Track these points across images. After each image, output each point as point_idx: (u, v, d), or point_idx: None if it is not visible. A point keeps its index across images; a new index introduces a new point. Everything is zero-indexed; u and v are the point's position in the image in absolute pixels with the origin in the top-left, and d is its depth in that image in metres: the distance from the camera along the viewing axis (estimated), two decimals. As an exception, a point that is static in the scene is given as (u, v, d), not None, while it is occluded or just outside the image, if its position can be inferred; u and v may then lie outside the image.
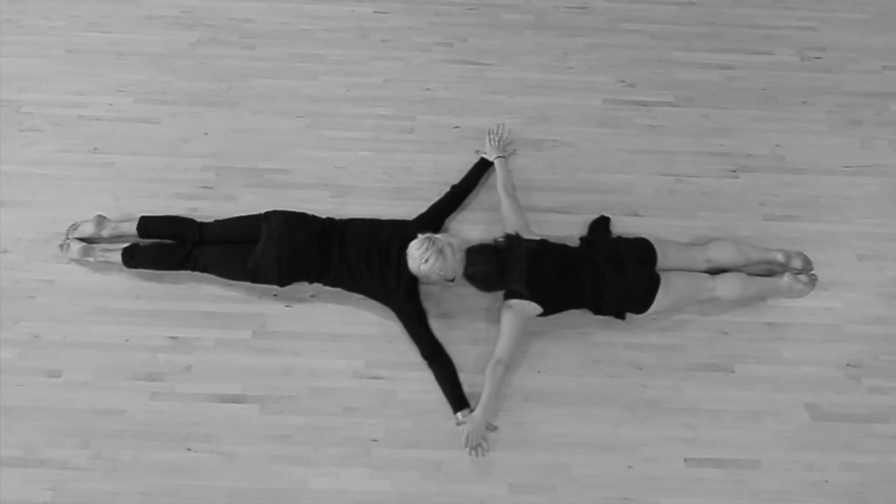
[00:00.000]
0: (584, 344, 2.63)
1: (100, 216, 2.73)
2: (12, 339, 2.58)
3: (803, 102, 3.26)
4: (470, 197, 2.87)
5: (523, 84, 3.27)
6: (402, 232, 2.55)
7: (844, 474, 2.44)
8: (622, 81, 3.30)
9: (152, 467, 2.38)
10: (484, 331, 2.63)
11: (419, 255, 2.36)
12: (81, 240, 2.70)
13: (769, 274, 2.74)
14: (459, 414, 2.43)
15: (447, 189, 2.81)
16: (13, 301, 2.65)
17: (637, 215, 2.91)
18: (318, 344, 2.61)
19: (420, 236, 2.41)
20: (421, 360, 2.51)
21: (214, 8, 3.46)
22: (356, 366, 2.57)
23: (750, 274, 2.69)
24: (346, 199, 2.90)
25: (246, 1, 3.49)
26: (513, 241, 2.50)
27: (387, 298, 2.54)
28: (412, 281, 2.50)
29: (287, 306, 2.67)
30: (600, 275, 2.51)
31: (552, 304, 2.51)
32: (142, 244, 2.67)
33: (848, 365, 2.63)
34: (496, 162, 2.89)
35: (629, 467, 2.43)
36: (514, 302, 2.47)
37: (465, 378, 2.49)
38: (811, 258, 2.77)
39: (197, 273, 2.64)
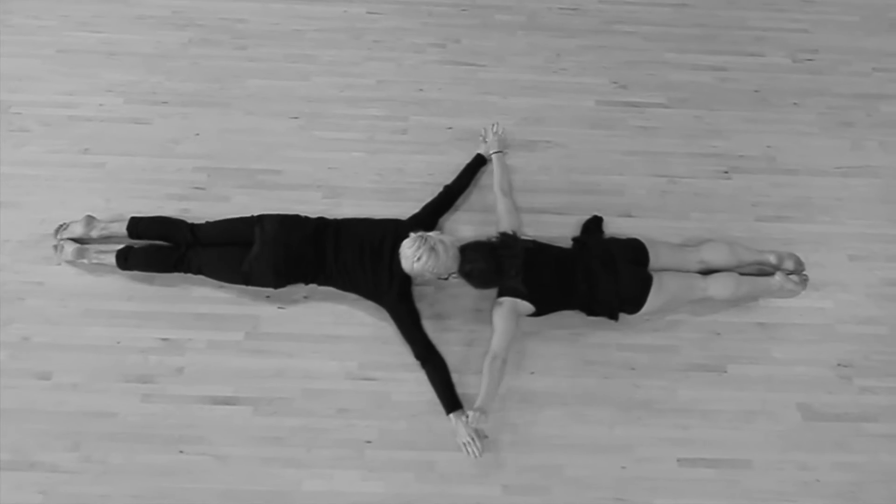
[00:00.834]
0: (578, 345, 2.63)
1: (89, 216, 2.72)
2: (2, 341, 2.56)
3: (795, 104, 3.28)
4: (463, 197, 2.87)
5: (516, 85, 3.28)
6: (395, 231, 2.54)
7: (836, 473, 2.45)
8: (615, 83, 3.31)
9: (144, 470, 2.36)
10: (478, 332, 2.63)
11: (411, 254, 2.34)
12: (73, 241, 2.69)
13: (761, 274, 2.75)
14: (452, 415, 2.41)
15: (440, 190, 2.80)
16: (2, 303, 2.62)
17: (630, 216, 2.92)
18: (312, 345, 2.60)
19: (412, 235, 2.39)
20: (414, 361, 2.50)
21: (206, 8, 3.44)
22: (349, 367, 2.56)
23: (742, 274, 2.70)
24: (339, 200, 2.89)
25: (238, 1, 3.47)
26: (510, 238, 2.48)
27: (380, 298, 2.54)
28: (405, 280, 2.50)
29: (280, 308, 2.66)
30: (593, 275, 2.51)
31: (546, 304, 2.51)
32: (136, 246, 2.65)
33: (839, 365, 2.64)
34: (494, 158, 2.88)
35: (623, 468, 2.43)
36: (505, 299, 2.47)
37: (458, 379, 2.48)
38: (803, 259, 2.79)
39: (190, 275, 2.62)
